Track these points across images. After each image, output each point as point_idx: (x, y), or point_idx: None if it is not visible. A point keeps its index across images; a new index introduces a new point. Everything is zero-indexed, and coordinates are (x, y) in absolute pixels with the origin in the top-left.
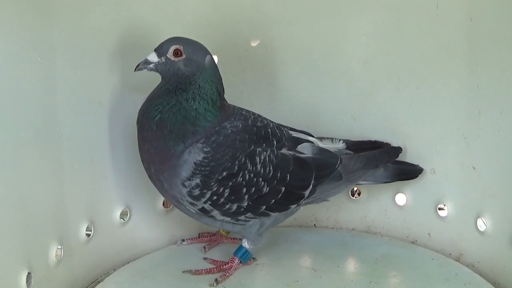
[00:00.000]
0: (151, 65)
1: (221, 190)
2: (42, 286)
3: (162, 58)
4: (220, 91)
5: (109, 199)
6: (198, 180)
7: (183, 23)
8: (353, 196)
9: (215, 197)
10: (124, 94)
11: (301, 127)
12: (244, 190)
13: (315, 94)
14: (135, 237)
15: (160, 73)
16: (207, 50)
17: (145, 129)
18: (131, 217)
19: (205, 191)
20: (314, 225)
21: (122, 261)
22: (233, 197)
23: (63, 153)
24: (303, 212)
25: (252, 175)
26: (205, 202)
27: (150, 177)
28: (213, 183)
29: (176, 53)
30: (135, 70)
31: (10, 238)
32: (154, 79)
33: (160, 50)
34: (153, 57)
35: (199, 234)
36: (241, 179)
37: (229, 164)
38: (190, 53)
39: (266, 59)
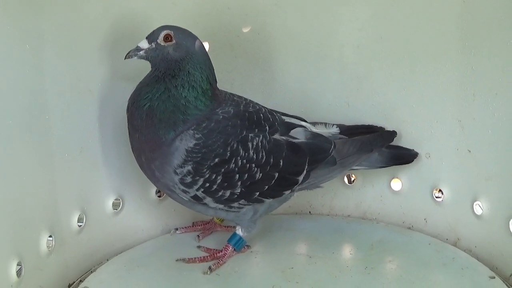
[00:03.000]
0: (141, 52)
1: (213, 177)
2: (33, 276)
3: (152, 44)
4: (211, 80)
5: (101, 188)
6: (190, 167)
7: (174, 12)
8: (348, 183)
9: (207, 184)
10: (114, 83)
11: (294, 113)
12: (237, 176)
13: (308, 79)
14: (128, 227)
15: (150, 60)
16: (197, 37)
17: (134, 118)
18: (123, 207)
19: (197, 178)
20: (309, 212)
21: (115, 251)
22: (225, 184)
23: (53, 142)
24: (298, 199)
25: (244, 161)
26: (197, 190)
27: (140, 166)
28: (205, 170)
29: (167, 38)
30: (125, 57)
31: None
32: (145, 68)
33: (151, 36)
34: (144, 44)
35: (193, 222)
36: (234, 165)
37: (221, 150)
38: (180, 38)
39: (258, 45)
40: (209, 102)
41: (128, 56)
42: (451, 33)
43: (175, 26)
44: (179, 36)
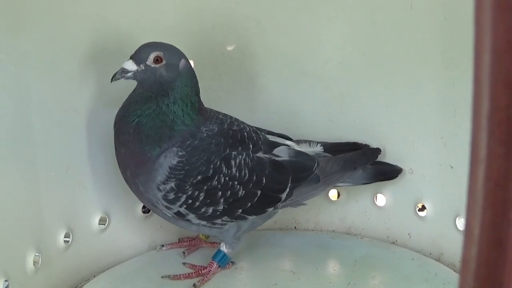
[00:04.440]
0: (129, 74)
1: (196, 194)
2: None
3: (141, 65)
4: (197, 92)
5: (87, 205)
6: (172, 184)
7: (157, 30)
8: (337, 198)
9: (190, 201)
10: (100, 101)
11: (278, 130)
12: (220, 193)
13: (291, 96)
14: (114, 244)
15: (138, 81)
16: (182, 52)
17: (121, 133)
18: (110, 224)
19: (180, 195)
20: (295, 227)
21: (101, 268)
22: (208, 201)
23: (39, 161)
24: (283, 215)
25: (227, 178)
26: (180, 206)
27: (125, 180)
28: (188, 187)
29: (157, 59)
30: (111, 80)
31: None
32: (131, 85)
33: (138, 57)
34: (131, 66)
35: (179, 239)
36: (216, 182)
37: (204, 167)
38: (170, 58)
39: (242, 63)
40: (196, 116)
41: (115, 79)
42: (433, 50)
43: (161, 44)
44: (168, 56)
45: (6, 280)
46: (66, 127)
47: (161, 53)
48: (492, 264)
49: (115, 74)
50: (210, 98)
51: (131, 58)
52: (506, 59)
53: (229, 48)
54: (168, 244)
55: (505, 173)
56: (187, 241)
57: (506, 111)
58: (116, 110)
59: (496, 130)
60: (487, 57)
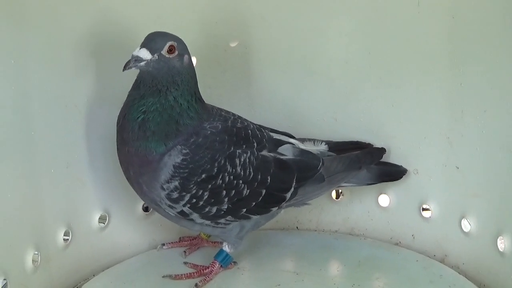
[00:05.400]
0: (143, 63)
1: (200, 193)
2: None
3: (155, 55)
4: (197, 85)
5: (87, 203)
6: (176, 183)
7: (160, 26)
8: (336, 198)
9: (194, 200)
10: (101, 97)
11: (282, 129)
12: (224, 192)
13: (296, 95)
14: (114, 242)
15: (149, 72)
16: None
17: (125, 131)
18: (110, 222)
19: (184, 193)
20: (297, 227)
21: (101, 267)
22: (212, 200)
23: (39, 158)
24: (285, 214)
25: (232, 177)
26: (184, 205)
27: (128, 179)
28: (192, 186)
29: (170, 49)
30: (124, 69)
31: None
32: (132, 81)
33: (153, 46)
34: (146, 54)
35: (179, 238)
36: (221, 181)
37: (208, 166)
38: (181, 49)
39: (246, 60)
40: (199, 109)
41: (128, 67)
42: (440, 49)
43: (171, 34)
44: (180, 47)
45: (4, 279)
46: (66, 123)
47: (175, 43)
48: None
49: (128, 62)
50: (213, 95)
51: (143, 46)
52: None
53: (233, 45)
54: (169, 243)
55: None
56: (188, 240)
57: None
58: (116, 107)
59: None
60: None
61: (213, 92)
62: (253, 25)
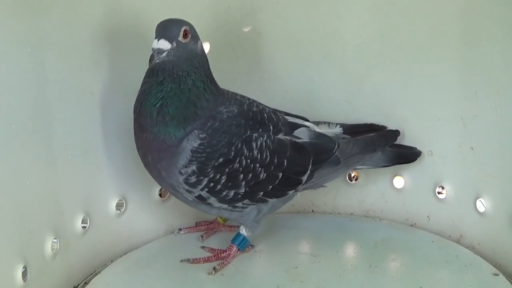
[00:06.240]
0: (164, 54)
1: (217, 177)
2: (38, 279)
3: (173, 43)
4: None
5: (104, 190)
6: (194, 167)
7: (173, 12)
8: (350, 181)
9: (211, 184)
10: (116, 83)
11: (296, 112)
12: (241, 176)
13: (309, 78)
14: (131, 228)
15: (169, 60)
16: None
17: (143, 117)
18: (127, 208)
19: (201, 178)
20: (312, 210)
21: (119, 252)
22: (230, 184)
23: (56, 144)
24: (301, 198)
25: (249, 161)
26: (202, 189)
27: (146, 166)
28: (209, 170)
29: (185, 34)
30: (150, 64)
31: (4, 232)
32: (146, 68)
33: (170, 35)
34: (165, 44)
35: (196, 222)
36: (238, 165)
37: (225, 150)
38: (194, 32)
39: (259, 44)
40: (215, 91)
41: (153, 62)
42: (453, 30)
43: (182, 20)
44: (192, 30)
45: (24, 266)
46: (83, 110)
47: (187, 27)
48: None
49: (151, 57)
50: (227, 80)
51: (161, 37)
52: None
53: (246, 30)
54: (186, 228)
55: None
56: (204, 225)
57: None
58: (132, 94)
59: None
60: None
61: (226, 77)
62: (266, 9)
